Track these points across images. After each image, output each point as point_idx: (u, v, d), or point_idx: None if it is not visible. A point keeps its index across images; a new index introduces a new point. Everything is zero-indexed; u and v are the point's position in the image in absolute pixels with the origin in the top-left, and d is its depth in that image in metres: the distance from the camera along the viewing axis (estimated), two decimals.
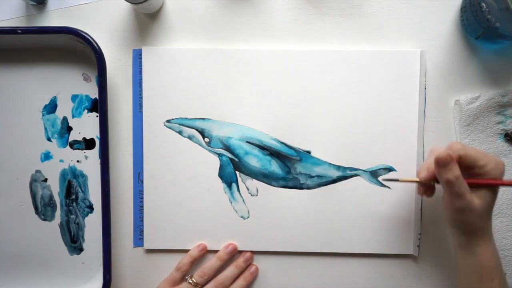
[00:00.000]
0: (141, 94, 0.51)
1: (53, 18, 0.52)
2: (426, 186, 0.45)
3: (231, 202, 0.51)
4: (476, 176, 0.42)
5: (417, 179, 0.44)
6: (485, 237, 0.42)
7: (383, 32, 0.50)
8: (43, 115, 0.51)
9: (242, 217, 0.51)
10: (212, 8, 0.51)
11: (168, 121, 0.51)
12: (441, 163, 0.41)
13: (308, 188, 0.51)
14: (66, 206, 0.52)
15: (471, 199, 0.40)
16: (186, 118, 0.51)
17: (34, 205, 0.52)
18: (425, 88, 0.50)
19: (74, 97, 0.51)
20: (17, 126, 0.51)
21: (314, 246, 0.51)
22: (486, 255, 0.42)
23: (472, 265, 0.43)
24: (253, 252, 0.51)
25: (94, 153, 0.51)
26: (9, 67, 0.51)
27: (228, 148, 0.51)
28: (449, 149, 0.42)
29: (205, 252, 0.51)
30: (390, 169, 0.50)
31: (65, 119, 0.51)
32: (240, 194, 0.51)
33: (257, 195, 0.51)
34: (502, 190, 0.50)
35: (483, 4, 0.43)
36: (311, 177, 0.50)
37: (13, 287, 0.51)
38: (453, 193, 0.41)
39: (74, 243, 0.52)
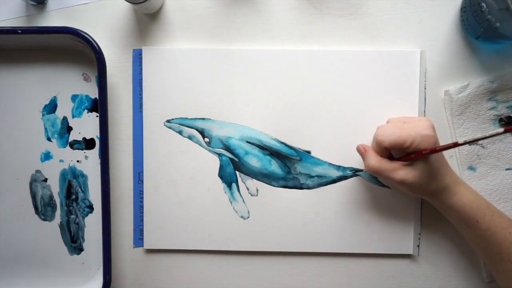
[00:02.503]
0: (141, 94, 0.51)
1: (53, 18, 0.52)
2: None
3: (231, 202, 0.51)
4: (410, 153, 0.44)
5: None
6: (448, 193, 0.44)
7: (383, 32, 0.50)
8: (43, 115, 0.51)
9: (242, 217, 0.51)
10: (212, 8, 0.51)
11: (168, 121, 0.51)
12: (359, 154, 0.47)
13: (308, 188, 0.51)
14: (66, 206, 0.52)
15: (404, 175, 0.43)
16: (186, 118, 0.51)
17: (34, 205, 0.52)
18: (425, 88, 0.50)
19: (74, 97, 0.51)
20: (17, 126, 0.51)
21: (314, 246, 0.51)
22: (459, 205, 0.44)
23: (453, 217, 0.46)
24: (253, 252, 0.51)
25: (94, 153, 0.51)
26: (9, 67, 0.51)
27: (228, 148, 0.51)
28: (376, 143, 0.45)
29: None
30: None
31: (65, 119, 0.51)
32: (240, 194, 0.51)
33: (257, 195, 0.51)
34: (500, 177, 0.50)
35: (483, 4, 0.43)
36: (311, 177, 0.50)
37: (13, 287, 0.51)
38: (381, 178, 0.46)
39: (74, 243, 0.52)
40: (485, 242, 0.44)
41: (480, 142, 0.50)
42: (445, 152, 0.46)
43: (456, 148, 0.50)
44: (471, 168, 0.50)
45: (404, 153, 0.45)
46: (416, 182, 0.43)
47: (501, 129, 0.36)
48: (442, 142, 0.50)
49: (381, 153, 0.45)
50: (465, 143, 0.40)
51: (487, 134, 0.38)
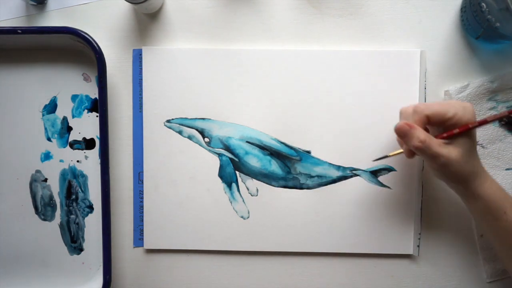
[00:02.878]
0: (141, 94, 0.51)
1: (53, 18, 0.52)
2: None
3: (231, 202, 0.51)
4: (449, 127, 0.42)
5: (402, 150, 0.45)
6: (480, 178, 0.43)
7: (383, 32, 0.50)
8: (43, 115, 0.51)
9: (242, 217, 0.51)
10: (212, 8, 0.51)
11: (168, 121, 0.51)
12: (402, 134, 0.42)
13: (308, 188, 0.51)
14: (66, 206, 0.52)
15: (447, 153, 0.41)
16: (186, 118, 0.51)
17: (34, 205, 0.52)
18: (425, 88, 0.50)
19: (74, 97, 0.51)
20: (17, 126, 0.51)
21: (314, 246, 0.51)
22: (488, 193, 0.42)
23: (481, 208, 0.43)
24: (253, 252, 0.51)
25: (94, 153, 0.51)
26: (9, 67, 0.51)
27: (228, 148, 0.51)
28: (414, 112, 0.42)
29: None
30: (390, 169, 0.50)
31: (65, 119, 0.51)
32: (240, 194, 0.51)
33: (257, 195, 0.51)
34: (500, 178, 0.50)
35: (483, 4, 0.43)
36: (311, 177, 0.50)
37: (13, 287, 0.51)
38: (427, 156, 0.41)
39: (74, 243, 0.52)
40: (510, 235, 0.42)
41: (480, 142, 0.50)
42: None
43: None
44: None
45: (442, 129, 0.43)
46: (459, 159, 0.41)
47: None
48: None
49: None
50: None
51: None
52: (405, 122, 0.42)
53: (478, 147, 0.50)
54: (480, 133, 0.50)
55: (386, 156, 0.47)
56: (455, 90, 0.49)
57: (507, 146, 0.50)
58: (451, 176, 0.43)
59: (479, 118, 0.50)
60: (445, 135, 0.42)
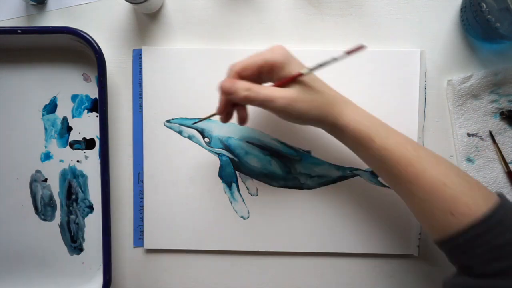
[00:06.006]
0: (141, 94, 0.51)
1: (53, 18, 0.52)
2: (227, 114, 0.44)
3: (231, 202, 0.51)
4: (282, 77, 0.41)
5: (215, 113, 0.44)
6: (339, 107, 0.42)
7: (383, 32, 0.50)
8: (43, 115, 0.51)
9: (242, 217, 0.51)
10: (212, 8, 0.51)
11: (168, 121, 0.51)
12: (227, 90, 0.41)
13: (308, 188, 0.51)
14: (66, 206, 0.52)
15: (282, 94, 0.40)
16: (186, 118, 0.51)
17: (34, 205, 0.52)
18: (425, 88, 0.50)
19: (74, 97, 0.51)
20: (17, 126, 0.51)
21: (314, 246, 0.51)
22: (351, 123, 0.41)
23: (350, 140, 0.42)
24: (253, 252, 0.51)
25: (94, 153, 0.51)
26: (9, 67, 0.51)
27: (228, 148, 0.51)
28: (229, 71, 0.42)
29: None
30: None
31: (65, 119, 0.51)
32: (240, 194, 0.51)
33: (257, 195, 0.51)
34: (497, 170, 0.50)
35: (483, 4, 0.43)
36: (311, 177, 0.50)
37: (13, 287, 0.51)
38: (262, 103, 0.40)
39: (74, 243, 0.52)
40: (383, 163, 0.40)
41: (480, 134, 0.50)
42: (446, 151, 0.45)
43: (456, 140, 0.50)
44: (469, 159, 0.50)
45: (276, 78, 0.42)
46: (296, 97, 0.40)
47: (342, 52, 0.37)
48: (441, 134, 0.50)
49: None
50: (310, 71, 0.40)
51: (330, 58, 0.39)
52: (225, 80, 0.41)
53: (477, 139, 0.50)
54: (480, 126, 0.50)
55: (202, 119, 0.48)
56: (458, 80, 0.49)
57: (506, 140, 0.50)
58: (301, 116, 0.41)
59: (480, 111, 0.50)
60: (277, 83, 0.41)
